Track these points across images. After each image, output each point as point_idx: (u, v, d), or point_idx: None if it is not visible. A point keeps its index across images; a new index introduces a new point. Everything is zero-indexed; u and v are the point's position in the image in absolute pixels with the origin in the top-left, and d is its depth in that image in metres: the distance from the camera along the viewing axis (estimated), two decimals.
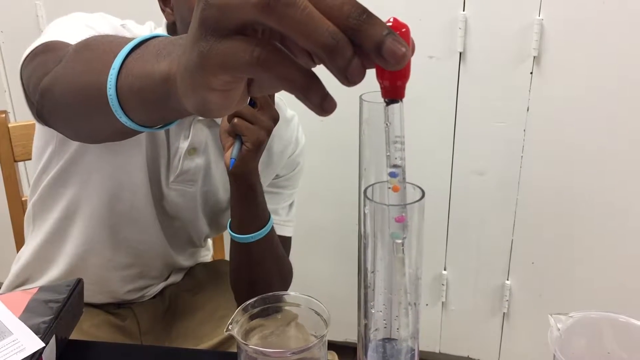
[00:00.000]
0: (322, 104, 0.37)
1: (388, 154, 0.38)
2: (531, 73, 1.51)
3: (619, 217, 1.57)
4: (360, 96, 0.54)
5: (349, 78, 0.36)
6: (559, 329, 0.65)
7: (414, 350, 0.43)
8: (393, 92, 0.39)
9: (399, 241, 0.39)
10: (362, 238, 0.52)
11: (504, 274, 1.74)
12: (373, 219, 0.39)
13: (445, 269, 1.80)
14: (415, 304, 0.42)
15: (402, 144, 0.39)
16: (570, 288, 1.66)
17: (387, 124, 0.38)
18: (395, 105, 0.39)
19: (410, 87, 0.40)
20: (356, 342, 0.69)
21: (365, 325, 0.43)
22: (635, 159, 1.51)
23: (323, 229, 1.86)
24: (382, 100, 0.43)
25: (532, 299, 1.73)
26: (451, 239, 1.76)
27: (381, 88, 0.39)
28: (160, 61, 0.49)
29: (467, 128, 1.61)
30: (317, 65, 0.40)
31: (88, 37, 0.66)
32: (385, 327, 0.42)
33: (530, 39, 1.48)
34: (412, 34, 0.39)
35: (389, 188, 0.38)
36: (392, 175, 0.38)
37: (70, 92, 0.63)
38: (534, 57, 1.49)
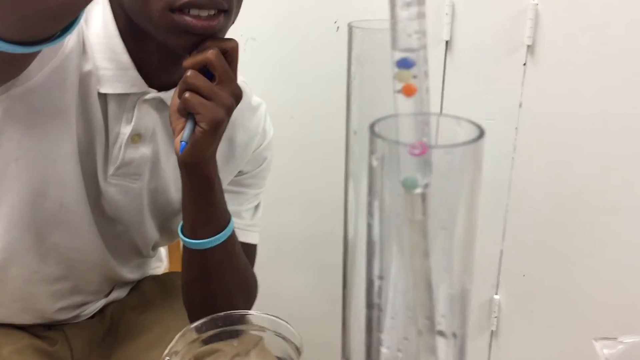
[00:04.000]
0: None
1: (393, 21, 0.22)
2: (524, 64, 1.40)
3: (622, 224, 1.45)
4: (350, 24, 0.38)
5: None
6: (607, 359, 0.50)
7: None
8: None
9: (418, 191, 0.22)
10: (347, 231, 0.36)
11: (493, 288, 1.61)
12: (382, 175, 0.23)
13: None
14: (454, 334, 0.25)
15: (422, 9, 0.22)
16: (565, 303, 1.53)
17: None
18: None
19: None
20: None
21: None
22: (638, 160, 1.39)
23: (294, 235, 1.72)
24: (380, 26, 0.28)
25: (523, 316, 1.59)
26: None
27: None
28: None
29: None
30: None
31: None
32: None
33: (524, 26, 1.37)
34: None
35: (397, 91, 0.22)
36: (403, 64, 0.22)
37: None
38: (528, 46, 1.38)
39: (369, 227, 0.24)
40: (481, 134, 0.25)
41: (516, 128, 1.45)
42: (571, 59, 1.37)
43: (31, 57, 0.58)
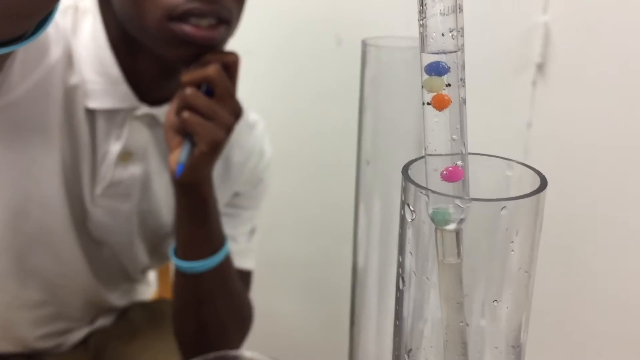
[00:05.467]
0: None
1: (422, 16, 0.17)
2: (534, 83, 1.36)
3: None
4: (364, 41, 0.33)
5: None
6: None
7: None
8: None
9: (451, 228, 0.17)
10: (356, 262, 0.31)
11: None
12: (416, 221, 0.18)
13: None
14: None
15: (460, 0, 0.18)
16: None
17: None
18: None
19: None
20: None
21: None
22: None
23: (291, 260, 1.65)
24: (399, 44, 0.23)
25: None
26: None
27: None
28: None
29: None
30: None
31: None
32: None
33: (534, 44, 1.34)
34: None
35: (427, 104, 0.17)
36: (435, 70, 0.18)
37: None
38: (538, 64, 1.34)
39: (400, 293, 0.19)
40: (544, 183, 0.20)
41: (524, 149, 1.41)
42: (583, 78, 1.33)
43: (1, 59, 0.53)
